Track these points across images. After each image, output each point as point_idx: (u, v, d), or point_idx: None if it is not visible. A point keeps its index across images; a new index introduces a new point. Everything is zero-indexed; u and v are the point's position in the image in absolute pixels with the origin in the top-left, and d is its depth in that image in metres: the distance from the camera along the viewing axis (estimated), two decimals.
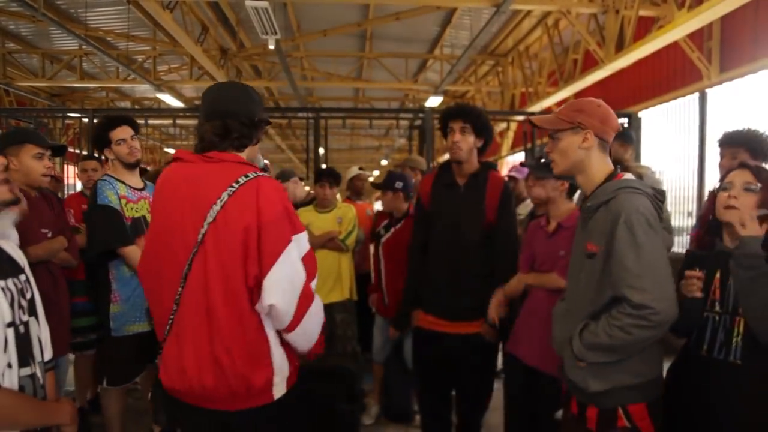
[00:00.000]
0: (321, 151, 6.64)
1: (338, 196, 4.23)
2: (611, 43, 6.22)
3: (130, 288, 2.84)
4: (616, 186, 1.72)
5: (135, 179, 2.96)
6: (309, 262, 1.65)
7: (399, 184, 3.57)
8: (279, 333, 1.67)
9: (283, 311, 1.58)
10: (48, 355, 1.56)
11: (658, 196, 1.75)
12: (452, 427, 2.99)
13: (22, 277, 1.48)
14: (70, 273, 2.99)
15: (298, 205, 4.05)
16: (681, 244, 5.69)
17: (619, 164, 2.40)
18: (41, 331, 1.53)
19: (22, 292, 1.44)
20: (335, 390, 3.13)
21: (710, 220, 1.93)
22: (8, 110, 8.67)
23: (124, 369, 2.89)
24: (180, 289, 1.60)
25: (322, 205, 3.89)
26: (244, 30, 8.79)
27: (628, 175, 1.79)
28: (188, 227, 1.60)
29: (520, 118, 7.26)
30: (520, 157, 11.02)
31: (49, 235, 2.61)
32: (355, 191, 4.73)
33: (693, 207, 6.14)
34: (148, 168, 5.46)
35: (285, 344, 1.69)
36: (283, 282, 1.57)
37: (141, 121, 5.97)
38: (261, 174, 1.64)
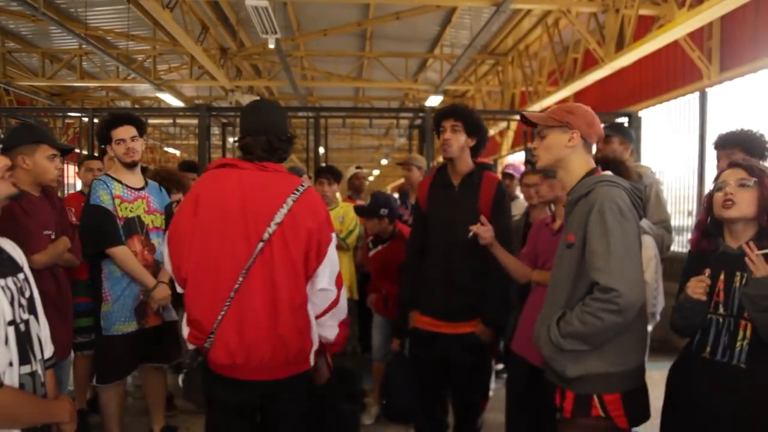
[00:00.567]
0: (321, 150, 6.64)
1: (338, 194, 4.23)
2: (611, 42, 6.22)
3: (119, 288, 2.86)
4: (594, 180, 1.85)
5: (134, 179, 2.96)
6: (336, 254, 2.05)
7: (384, 211, 3.53)
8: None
9: (331, 292, 1.99)
10: (48, 352, 1.56)
11: (636, 192, 1.87)
12: (448, 429, 2.99)
13: (21, 276, 1.48)
14: (71, 273, 2.99)
15: None
16: (681, 244, 5.69)
17: (620, 164, 2.41)
18: (41, 329, 1.54)
19: (21, 291, 1.45)
20: (335, 390, 3.13)
21: (707, 223, 1.93)
22: (8, 109, 8.67)
23: (112, 367, 2.91)
24: (240, 278, 1.87)
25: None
26: (244, 29, 8.80)
27: (608, 172, 1.92)
28: (252, 226, 1.88)
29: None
30: (520, 156, 11.03)
31: (53, 236, 2.60)
32: (355, 190, 4.73)
33: (693, 206, 6.14)
34: (150, 167, 5.46)
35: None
36: (329, 269, 1.98)
37: None
38: (309, 184, 2.02)
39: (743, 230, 1.82)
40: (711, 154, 5.87)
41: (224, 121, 7.44)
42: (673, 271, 3.67)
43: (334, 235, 2.04)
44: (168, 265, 2.03)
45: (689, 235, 3.40)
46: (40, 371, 1.47)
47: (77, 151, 6.61)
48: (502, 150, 12.31)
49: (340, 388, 3.16)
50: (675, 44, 5.79)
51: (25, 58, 10.20)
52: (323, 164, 5.95)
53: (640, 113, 7.05)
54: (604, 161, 2.31)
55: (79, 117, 7.35)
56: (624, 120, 6.25)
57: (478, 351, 2.76)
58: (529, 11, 7.99)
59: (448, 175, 2.80)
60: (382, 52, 9.79)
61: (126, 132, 2.86)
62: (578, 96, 8.44)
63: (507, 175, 4.75)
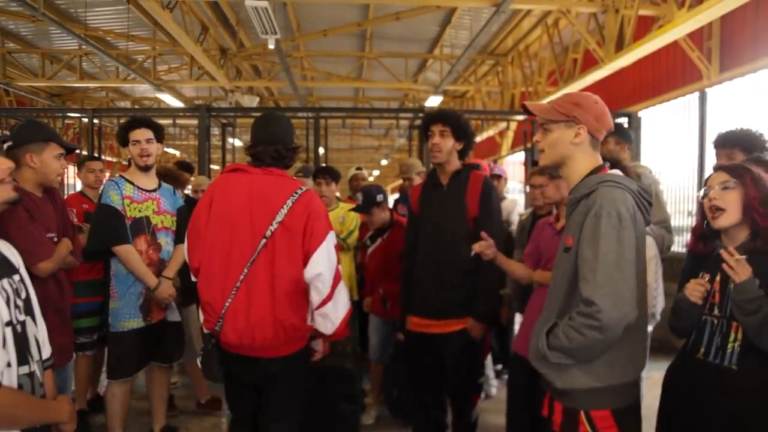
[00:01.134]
0: (321, 150, 6.64)
1: (338, 194, 4.22)
2: (611, 42, 6.22)
3: (125, 285, 2.95)
4: (598, 180, 1.69)
5: (147, 180, 3.07)
6: (336, 252, 2.22)
7: (380, 197, 3.57)
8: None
9: (325, 278, 2.13)
10: (46, 353, 1.56)
11: (643, 194, 1.71)
12: (447, 429, 3.00)
13: (16, 278, 1.48)
14: (72, 274, 3.00)
15: None
16: (681, 244, 5.69)
17: (616, 164, 2.40)
18: (38, 330, 1.53)
19: (17, 292, 1.45)
20: (335, 390, 3.13)
21: (703, 228, 1.94)
22: (8, 110, 8.68)
23: (121, 363, 2.98)
24: (246, 269, 2.13)
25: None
26: (244, 30, 8.80)
27: (615, 171, 1.75)
28: (257, 223, 2.14)
29: (520, 117, 7.26)
30: (519, 156, 11.03)
31: (55, 238, 2.61)
32: (355, 191, 4.73)
33: (693, 207, 6.14)
34: None
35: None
36: (324, 258, 2.14)
37: None
38: (308, 188, 2.26)
39: (736, 232, 1.82)
40: (711, 155, 5.88)
41: (224, 121, 7.44)
42: (673, 271, 3.68)
43: (332, 234, 2.19)
44: (186, 255, 2.31)
45: (689, 236, 3.40)
46: (38, 372, 1.47)
47: (77, 151, 6.60)
48: (502, 150, 12.31)
49: (340, 388, 3.16)
50: (675, 44, 5.79)
51: (25, 59, 10.20)
52: (323, 165, 5.96)
53: (640, 113, 7.05)
54: None
55: (79, 117, 7.36)
56: (624, 120, 6.25)
57: (470, 348, 2.78)
58: (528, 11, 7.99)
59: (437, 176, 2.89)
60: (382, 52, 9.80)
61: (142, 134, 2.98)
62: None
63: (494, 176, 4.77)
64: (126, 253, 2.90)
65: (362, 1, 7.03)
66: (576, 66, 7.74)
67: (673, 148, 6.54)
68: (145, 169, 3.03)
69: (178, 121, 10.80)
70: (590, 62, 7.22)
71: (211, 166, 7.02)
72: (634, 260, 1.61)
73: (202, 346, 2.36)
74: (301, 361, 2.30)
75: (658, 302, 2.76)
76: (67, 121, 10.19)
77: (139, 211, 2.98)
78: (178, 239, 3.10)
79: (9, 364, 1.35)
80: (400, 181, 5.21)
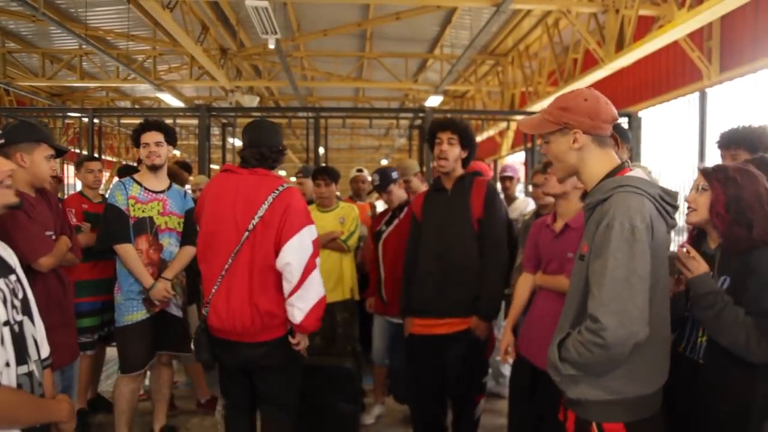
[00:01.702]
0: (321, 150, 6.64)
1: (338, 194, 4.22)
2: (611, 42, 6.22)
3: (128, 281, 3.02)
4: (614, 184, 1.58)
5: (155, 182, 3.12)
6: (315, 244, 2.39)
7: (395, 174, 3.62)
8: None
9: (293, 269, 2.30)
10: (45, 352, 1.56)
11: (666, 198, 1.59)
12: (446, 430, 3.00)
13: (13, 278, 1.47)
14: (73, 274, 3.01)
15: (311, 202, 4.07)
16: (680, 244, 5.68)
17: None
18: (36, 330, 1.53)
19: (14, 292, 1.45)
20: (335, 390, 3.13)
21: (693, 228, 2.03)
22: (8, 110, 8.67)
23: (129, 357, 3.04)
24: (230, 260, 2.35)
25: (323, 204, 3.87)
26: (244, 30, 8.80)
27: (638, 171, 1.64)
28: (240, 219, 2.35)
29: (520, 117, 7.26)
30: (519, 156, 11.03)
31: (53, 236, 2.63)
32: (357, 192, 4.72)
33: None
34: None
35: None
36: (295, 249, 2.30)
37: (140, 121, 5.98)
38: (290, 185, 2.45)
39: (714, 232, 1.90)
40: (711, 155, 5.89)
41: (224, 121, 7.44)
42: (672, 270, 3.67)
43: (310, 228, 2.37)
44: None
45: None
46: (36, 372, 1.47)
47: (77, 151, 6.61)
48: (502, 150, 12.31)
49: (340, 388, 3.16)
50: (675, 44, 5.78)
51: (25, 59, 10.20)
52: (323, 165, 5.96)
53: (640, 113, 7.05)
54: None
55: (79, 117, 7.36)
56: (624, 120, 6.24)
57: (475, 347, 2.78)
58: (529, 11, 7.99)
59: (441, 181, 2.93)
60: (382, 52, 9.80)
61: (151, 137, 3.07)
62: None
63: (506, 178, 4.75)
64: (125, 252, 2.97)
65: (362, 1, 7.03)
66: (576, 66, 7.74)
67: (673, 149, 6.54)
68: (153, 169, 3.10)
69: (178, 121, 10.77)
70: (590, 62, 7.22)
71: (211, 166, 7.02)
72: (647, 275, 1.50)
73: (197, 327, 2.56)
74: (281, 348, 2.42)
75: None
76: (67, 121, 10.19)
77: (143, 211, 3.04)
78: (184, 240, 3.12)
79: (8, 364, 1.35)
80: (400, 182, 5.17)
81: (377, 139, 18.82)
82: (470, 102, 13.21)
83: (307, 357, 2.62)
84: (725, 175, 1.85)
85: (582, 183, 1.74)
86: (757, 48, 5.22)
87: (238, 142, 10.71)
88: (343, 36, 9.01)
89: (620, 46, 6.09)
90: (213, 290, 2.39)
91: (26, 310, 1.50)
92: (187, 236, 3.12)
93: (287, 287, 2.33)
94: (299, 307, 2.32)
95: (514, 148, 11.92)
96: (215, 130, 7.98)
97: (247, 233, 2.33)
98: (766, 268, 1.74)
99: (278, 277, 2.35)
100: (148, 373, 3.26)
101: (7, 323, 1.37)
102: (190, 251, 3.09)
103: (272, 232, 2.32)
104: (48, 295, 2.51)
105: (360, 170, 4.76)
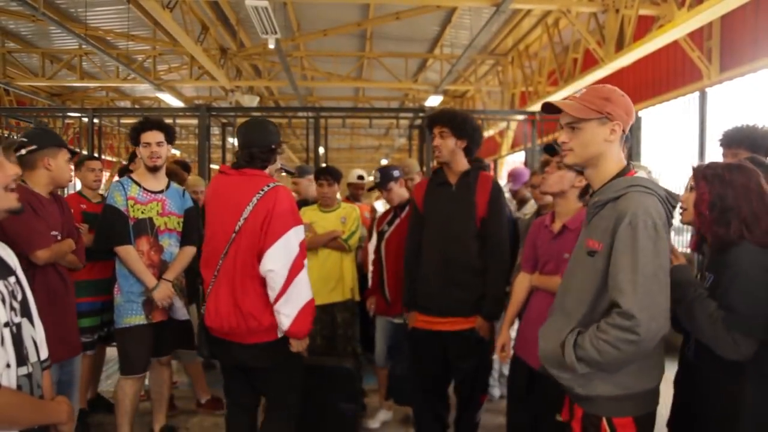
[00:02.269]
0: (321, 150, 6.63)
1: (338, 194, 4.21)
2: (611, 42, 6.22)
3: (128, 283, 3.00)
4: (627, 183, 1.62)
5: (154, 182, 3.08)
6: (302, 246, 2.37)
7: (396, 173, 3.61)
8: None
9: (276, 276, 2.28)
10: (44, 354, 1.56)
11: (670, 200, 1.65)
12: (447, 429, 3.00)
13: (12, 279, 1.47)
14: (73, 274, 3.02)
15: (309, 202, 4.06)
16: (681, 244, 5.69)
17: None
18: (35, 332, 1.53)
19: (13, 294, 1.45)
20: (335, 390, 3.13)
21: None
22: (8, 110, 8.67)
23: (129, 359, 3.02)
24: (220, 261, 2.38)
25: (325, 204, 3.87)
26: (244, 29, 8.80)
27: (641, 173, 1.68)
28: (228, 220, 2.36)
29: (520, 117, 7.25)
30: (520, 156, 11.02)
31: (59, 237, 2.67)
32: (354, 196, 4.72)
33: None
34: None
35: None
36: (277, 255, 2.28)
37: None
38: (278, 184, 2.39)
39: None
40: (711, 155, 5.89)
41: (224, 121, 7.42)
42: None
43: (296, 230, 2.33)
44: None
45: (689, 235, 3.42)
46: (36, 373, 1.47)
47: (77, 151, 6.60)
48: (502, 150, 12.31)
49: (341, 388, 3.16)
50: (675, 44, 5.79)
51: (25, 58, 10.20)
52: (323, 164, 5.95)
53: (640, 113, 7.05)
54: None
55: (79, 117, 7.33)
56: None
57: (478, 347, 2.78)
58: (529, 11, 7.99)
59: (444, 174, 2.87)
60: (382, 52, 9.80)
61: (153, 137, 3.01)
62: None
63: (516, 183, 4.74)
64: (126, 254, 2.94)
65: (362, 1, 7.04)
66: (576, 66, 7.75)
67: (673, 148, 6.54)
68: (154, 170, 3.06)
69: (178, 121, 10.78)
70: (590, 62, 7.22)
71: (211, 166, 7.01)
72: (668, 271, 1.57)
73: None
74: (270, 351, 2.40)
75: None
76: (67, 121, 10.17)
77: (143, 212, 3.01)
78: (184, 240, 3.11)
79: (8, 365, 1.35)
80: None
81: (377, 139, 18.83)
82: (470, 102, 13.22)
83: (308, 357, 2.62)
84: (713, 173, 1.85)
85: (588, 178, 1.75)
86: (757, 48, 5.22)
87: None
88: (343, 36, 9.01)
89: (620, 46, 6.09)
90: (208, 291, 2.45)
91: (25, 312, 1.50)
92: (187, 236, 3.11)
93: (272, 294, 2.31)
94: (285, 314, 2.31)
95: (513, 148, 11.92)
96: (215, 130, 7.96)
97: (234, 235, 2.34)
98: (738, 263, 1.75)
99: (261, 281, 2.34)
100: (148, 373, 3.26)
101: (6, 324, 1.37)
102: (190, 251, 3.08)
103: (254, 239, 2.30)
104: (47, 290, 2.55)
105: (361, 177, 4.74)
